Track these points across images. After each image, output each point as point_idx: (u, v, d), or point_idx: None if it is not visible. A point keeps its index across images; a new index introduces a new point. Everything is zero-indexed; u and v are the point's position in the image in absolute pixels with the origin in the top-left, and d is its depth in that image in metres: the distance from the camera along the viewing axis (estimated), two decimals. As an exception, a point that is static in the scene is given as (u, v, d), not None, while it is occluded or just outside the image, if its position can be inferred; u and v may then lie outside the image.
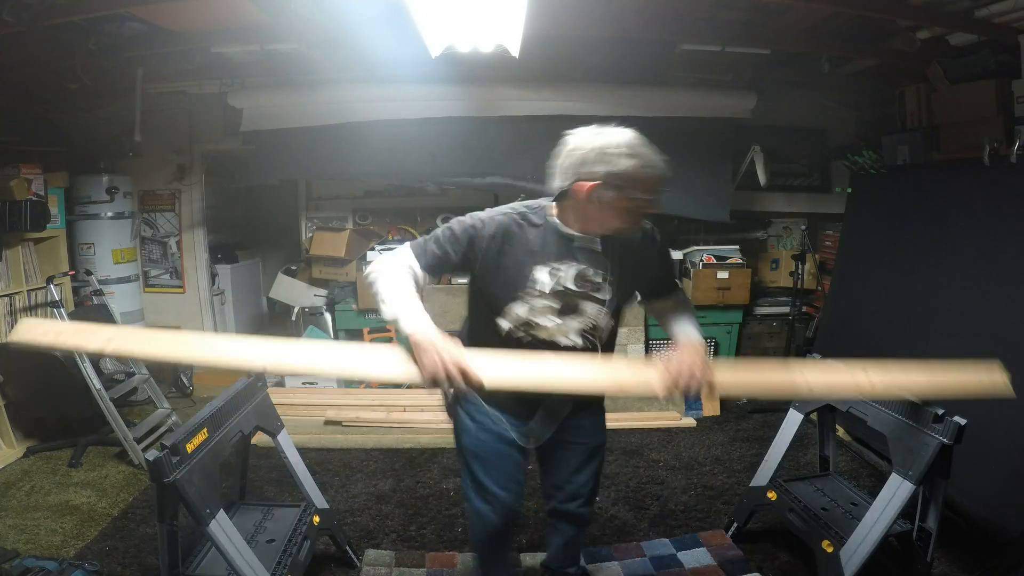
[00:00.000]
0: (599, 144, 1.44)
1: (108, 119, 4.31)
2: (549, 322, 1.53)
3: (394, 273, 1.45)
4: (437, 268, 1.52)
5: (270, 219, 5.76)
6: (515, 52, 2.39)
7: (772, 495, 2.31)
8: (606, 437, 1.85)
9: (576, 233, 1.50)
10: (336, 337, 4.18)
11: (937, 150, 3.34)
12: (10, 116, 3.67)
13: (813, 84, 4.18)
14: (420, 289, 1.48)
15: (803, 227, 4.22)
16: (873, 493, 1.95)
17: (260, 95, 4.00)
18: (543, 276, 1.50)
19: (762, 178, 3.95)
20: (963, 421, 1.59)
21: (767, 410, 3.80)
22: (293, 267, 4.66)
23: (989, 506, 2.37)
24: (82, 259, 4.20)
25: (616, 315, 1.61)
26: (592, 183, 1.42)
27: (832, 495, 2.32)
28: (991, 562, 2.22)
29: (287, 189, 4.74)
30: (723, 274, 3.99)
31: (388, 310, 1.40)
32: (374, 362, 1.51)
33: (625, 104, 3.95)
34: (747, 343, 4.28)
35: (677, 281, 1.79)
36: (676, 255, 4.15)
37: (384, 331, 4.04)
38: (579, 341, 1.56)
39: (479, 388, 1.35)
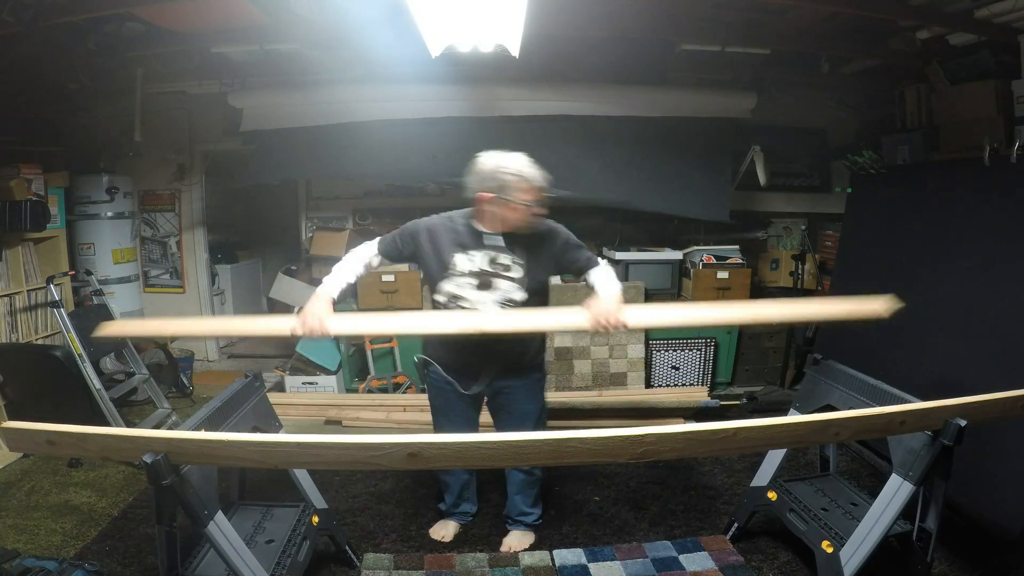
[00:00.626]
0: (492, 165, 1.97)
1: (108, 119, 4.31)
2: (471, 295, 2.05)
3: (345, 259, 2.16)
4: (390, 254, 2.17)
5: (270, 219, 5.76)
6: (515, 52, 2.38)
7: (772, 495, 2.31)
8: (540, 403, 2.32)
9: (485, 230, 2.06)
10: (336, 337, 4.18)
11: (937, 150, 3.34)
12: (10, 116, 3.67)
13: (813, 84, 4.19)
14: (368, 266, 2.18)
15: (803, 227, 4.22)
16: (873, 493, 1.95)
17: (260, 95, 4.00)
18: (461, 260, 2.06)
19: (762, 178, 3.95)
20: (963, 422, 1.59)
21: (767, 410, 3.80)
22: (293, 267, 4.65)
23: (989, 506, 2.37)
24: (82, 259, 4.20)
25: (531, 291, 2.09)
26: (488, 195, 1.98)
27: (832, 495, 2.32)
28: (991, 562, 2.22)
29: (287, 189, 4.74)
30: (723, 274, 3.99)
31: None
32: (272, 323, 2.17)
33: (625, 104, 3.96)
34: (747, 343, 4.27)
35: (593, 257, 2.18)
36: (676, 255, 4.16)
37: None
38: (498, 310, 2.05)
39: (323, 333, 1.93)
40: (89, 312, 3.55)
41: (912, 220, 3.26)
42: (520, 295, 2.06)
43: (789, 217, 4.61)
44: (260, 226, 5.95)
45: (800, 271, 3.97)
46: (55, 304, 3.29)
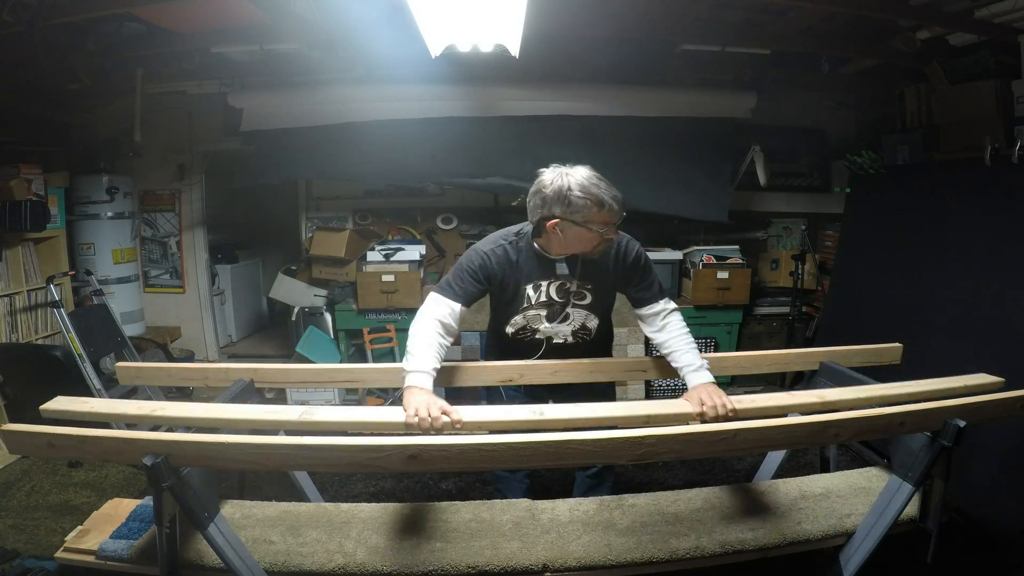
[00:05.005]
0: (558, 186, 1.69)
1: (108, 119, 4.32)
2: (542, 325, 1.92)
3: (418, 332, 1.75)
4: (467, 299, 1.83)
5: (270, 219, 5.76)
6: (515, 52, 2.38)
7: (772, 496, 2.30)
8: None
9: (551, 256, 1.83)
10: (336, 337, 4.18)
11: (937, 150, 3.34)
12: (10, 116, 3.67)
13: (813, 84, 4.18)
14: (449, 329, 1.79)
15: (803, 227, 4.22)
16: (873, 494, 1.95)
17: (260, 95, 4.00)
18: (531, 292, 1.87)
19: (762, 178, 3.95)
20: (962, 423, 1.59)
21: (767, 410, 3.80)
22: (293, 267, 4.66)
23: (989, 506, 2.37)
24: (82, 259, 4.20)
25: (603, 315, 1.96)
26: (554, 220, 1.71)
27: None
28: (991, 562, 2.22)
29: (287, 189, 4.74)
30: (723, 274, 3.99)
31: (404, 365, 1.70)
32: (377, 415, 1.68)
33: (625, 104, 3.95)
34: (747, 343, 4.28)
35: (661, 291, 1.93)
36: (676, 255, 4.16)
37: (383, 331, 4.04)
38: (571, 339, 1.94)
39: (459, 425, 1.57)
40: (89, 312, 3.55)
41: (912, 220, 3.26)
42: (593, 322, 1.93)
43: (789, 217, 4.61)
44: (260, 226, 5.95)
45: (800, 271, 3.97)
46: (55, 304, 3.29)
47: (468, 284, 1.82)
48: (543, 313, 1.89)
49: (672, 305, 1.93)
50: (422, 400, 1.59)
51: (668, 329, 1.88)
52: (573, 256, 1.81)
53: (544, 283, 1.85)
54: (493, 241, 1.87)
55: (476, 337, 3.97)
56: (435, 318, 1.77)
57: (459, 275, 1.83)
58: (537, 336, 1.93)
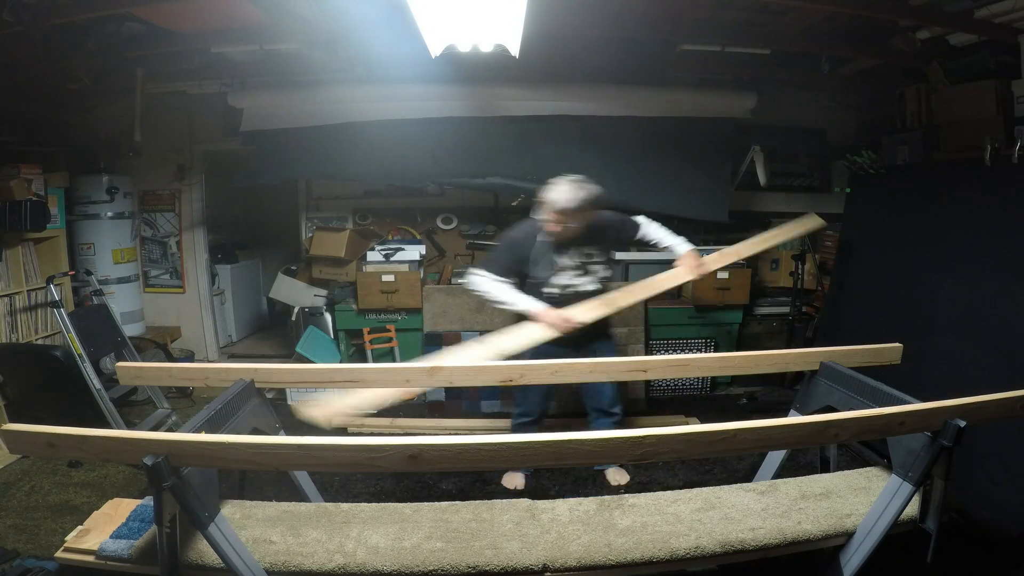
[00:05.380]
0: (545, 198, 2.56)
1: (108, 119, 4.32)
2: (577, 281, 2.70)
3: (497, 287, 2.63)
4: (507, 272, 2.68)
5: (270, 219, 5.76)
6: (515, 52, 2.38)
7: (772, 496, 2.31)
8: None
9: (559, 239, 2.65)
10: (336, 337, 4.18)
11: (937, 150, 3.34)
12: (10, 116, 3.68)
13: (813, 84, 4.18)
14: None
15: (803, 227, 4.21)
16: (873, 494, 1.95)
17: (260, 95, 3.99)
18: (565, 260, 2.67)
19: (762, 178, 3.94)
20: (962, 423, 1.59)
21: (767, 410, 3.80)
22: (293, 267, 4.66)
23: (989, 506, 2.37)
24: (82, 259, 4.21)
25: (608, 268, 2.82)
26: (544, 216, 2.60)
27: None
28: (991, 562, 2.22)
29: (287, 189, 4.74)
30: (723, 274, 3.99)
31: (515, 308, 2.62)
32: (521, 339, 2.47)
33: (625, 104, 3.95)
34: (747, 343, 4.27)
35: (641, 219, 2.87)
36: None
37: (383, 331, 4.04)
38: (591, 287, 2.72)
39: (584, 324, 2.56)
40: (89, 312, 3.56)
41: (912, 220, 3.26)
42: (605, 272, 2.77)
43: (789, 217, 4.58)
44: (260, 226, 5.95)
45: (800, 271, 3.97)
46: (55, 304, 3.29)
47: (506, 260, 2.69)
48: (572, 272, 2.69)
49: (644, 219, 2.86)
50: (551, 314, 2.52)
51: (650, 231, 2.84)
52: (581, 234, 2.62)
53: (568, 250, 2.66)
54: (520, 228, 2.72)
55: (476, 337, 3.96)
56: (492, 279, 2.63)
57: (498, 255, 2.72)
58: (568, 290, 2.68)
